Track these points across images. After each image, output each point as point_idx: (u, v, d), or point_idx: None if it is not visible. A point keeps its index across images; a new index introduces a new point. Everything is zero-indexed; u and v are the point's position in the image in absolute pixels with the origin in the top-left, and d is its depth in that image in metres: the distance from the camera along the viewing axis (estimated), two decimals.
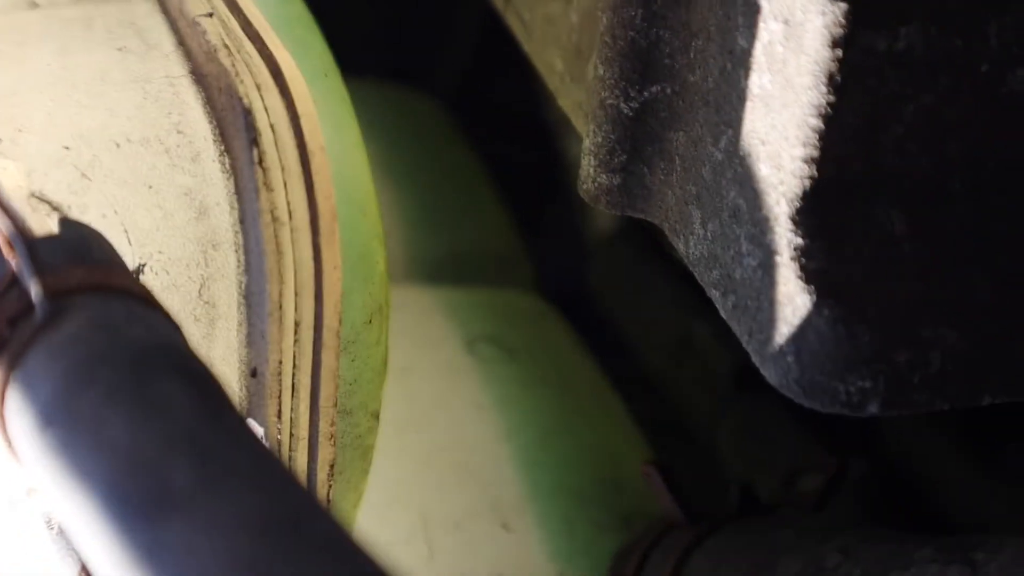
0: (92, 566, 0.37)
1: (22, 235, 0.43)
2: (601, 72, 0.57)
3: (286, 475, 0.37)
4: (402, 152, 0.90)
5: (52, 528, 0.51)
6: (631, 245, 0.95)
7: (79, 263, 0.45)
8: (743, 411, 0.84)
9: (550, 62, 0.66)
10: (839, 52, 0.47)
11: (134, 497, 0.36)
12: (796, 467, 0.69)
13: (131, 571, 0.35)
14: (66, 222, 0.48)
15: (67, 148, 0.51)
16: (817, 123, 0.48)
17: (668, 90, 0.56)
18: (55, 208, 0.50)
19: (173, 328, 0.44)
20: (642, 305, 0.93)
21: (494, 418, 0.72)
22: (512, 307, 0.81)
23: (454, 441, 0.71)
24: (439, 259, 0.87)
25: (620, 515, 0.69)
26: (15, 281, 0.44)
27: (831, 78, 0.47)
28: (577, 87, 0.63)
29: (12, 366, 0.41)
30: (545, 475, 0.70)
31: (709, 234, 0.54)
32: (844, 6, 0.46)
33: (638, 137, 0.57)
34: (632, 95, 0.56)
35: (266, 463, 0.37)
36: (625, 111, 0.57)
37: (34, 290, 0.42)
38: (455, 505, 0.69)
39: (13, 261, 0.44)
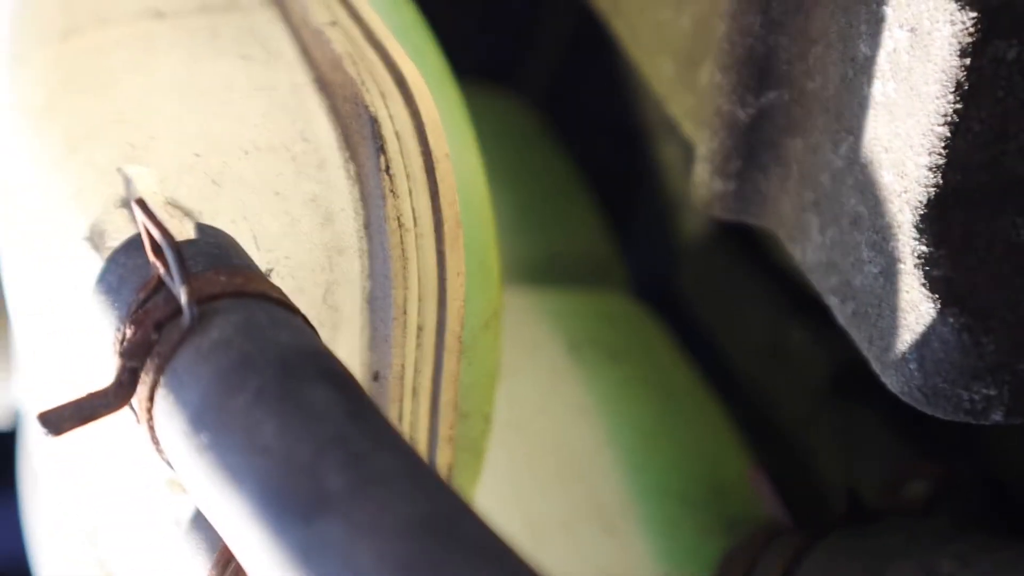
0: (248, 564, 0.38)
1: (169, 241, 0.44)
2: (718, 78, 0.58)
3: (434, 476, 0.38)
4: (497, 155, 0.91)
5: (181, 526, 0.53)
6: (723, 248, 0.96)
7: (219, 268, 0.46)
8: (840, 416, 0.84)
9: (659, 68, 0.67)
10: (967, 61, 0.48)
11: (290, 498, 0.37)
12: (900, 473, 0.69)
13: (291, 569, 0.36)
14: (202, 227, 0.50)
15: (197, 155, 0.53)
16: (944, 131, 0.49)
17: (786, 96, 0.56)
18: (187, 214, 0.52)
19: (312, 332, 0.45)
20: (734, 309, 0.94)
21: (598, 421, 0.73)
22: (612, 310, 0.82)
23: (559, 444, 0.72)
24: (536, 262, 0.88)
25: (725, 519, 0.70)
26: (160, 285, 0.45)
27: (959, 86, 0.48)
28: (688, 93, 0.64)
29: (161, 369, 0.43)
30: (649, 478, 0.71)
31: (828, 241, 0.55)
32: (974, 15, 0.47)
33: (754, 143, 0.58)
34: (749, 101, 0.57)
35: (415, 465, 0.38)
36: (741, 117, 0.57)
37: (183, 295, 0.43)
38: (561, 507, 0.70)
39: (160, 266, 0.45)
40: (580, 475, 0.71)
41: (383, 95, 0.53)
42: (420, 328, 0.54)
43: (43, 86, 0.56)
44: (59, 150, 0.54)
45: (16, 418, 0.85)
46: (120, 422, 0.46)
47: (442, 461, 0.57)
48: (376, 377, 0.55)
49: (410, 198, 0.52)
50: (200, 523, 0.51)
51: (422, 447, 0.56)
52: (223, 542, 0.49)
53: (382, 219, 0.52)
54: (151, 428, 0.44)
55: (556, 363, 0.76)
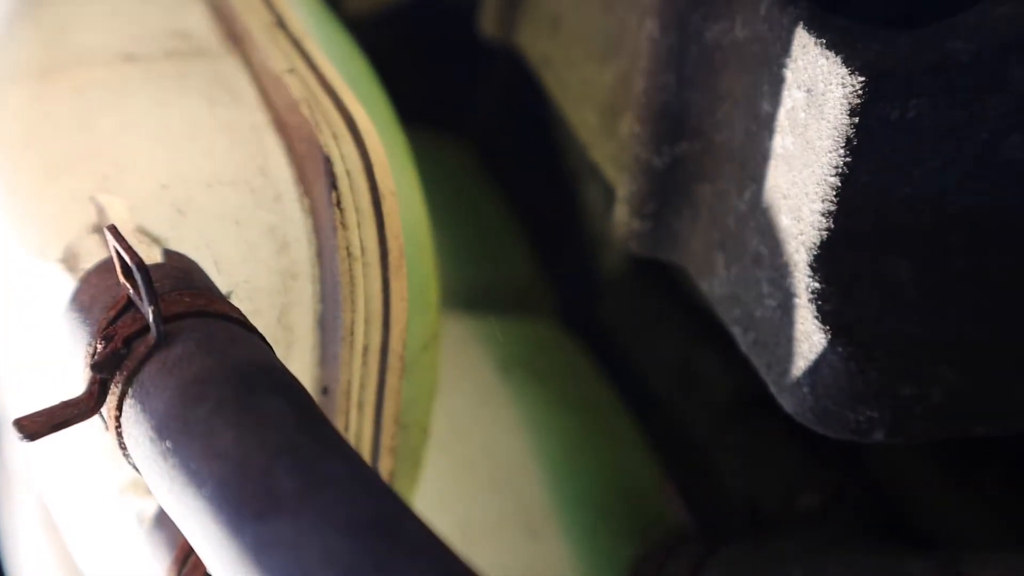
0: (207, 559, 0.39)
1: (139, 264, 0.44)
2: (636, 129, 0.59)
3: (377, 481, 0.39)
4: (438, 193, 0.92)
5: (143, 524, 0.53)
6: (641, 281, 0.97)
7: (183, 289, 0.46)
8: (743, 433, 0.85)
9: (584, 118, 0.68)
10: (856, 119, 0.49)
11: (244, 499, 0.38)
12: (795, 486, 0.71)
13: (244, 564, 0.37)
14: (168, 253, 0.50)
15: (165, 187, 0.53)
16: (835, 181, 0.50)
17: (697, 147, 0.58)
18: (154, 240, 0.52)
19: (268, 349, 0.46)
20: (650, 336, 0.95)
21: (524, 435, 0.74)
22: (540, 336, 0.83)
23: (489, 456, 0.73)
24: (471, 290, 0.89)
25: (638, 526, 0.71)
26: (129, 305, 0.46)
27: (848, 142, 0.49)
28: (609, 141, 0.65)
29: (129, 381, 0.43)
30: (570, 488, 0.72)
31: (732, 276, 0.56)
32: (863, 79, 0.48)
33: (668, 188, 0.59)
34: (664, 150, 0.58)
35: (359, 470, 0.39)
36: (657, 165, 0.59)
37: (150, 314, 0.44)
38: (490, 513, 0.71)
39: (129, 287, 0.45)
40: (508, 484, 0.72)
41: (335, 137, 0.53)
42: (366, 348, 0.54)
43: (22, 121, 0.57)
44: (37, 180, 0.54)
45: None
46: (89, 429, 0.47)
47: (384, 468, 0.57)
48: (325, 391, 0.55)
49: (359, 230, 0.53)
50: (162, 521, 0.51)
51: (366, 455, 0.57)
52: (183, 539, 0.49)
53: (333, 249, 0.53)
54: (119, 434, 0.44)
55: (488, 382, 0.76)
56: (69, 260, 0.51)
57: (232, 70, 0.58)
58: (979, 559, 0.56)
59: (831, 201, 0.50)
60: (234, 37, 0.60)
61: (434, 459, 0.67)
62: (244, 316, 0.47)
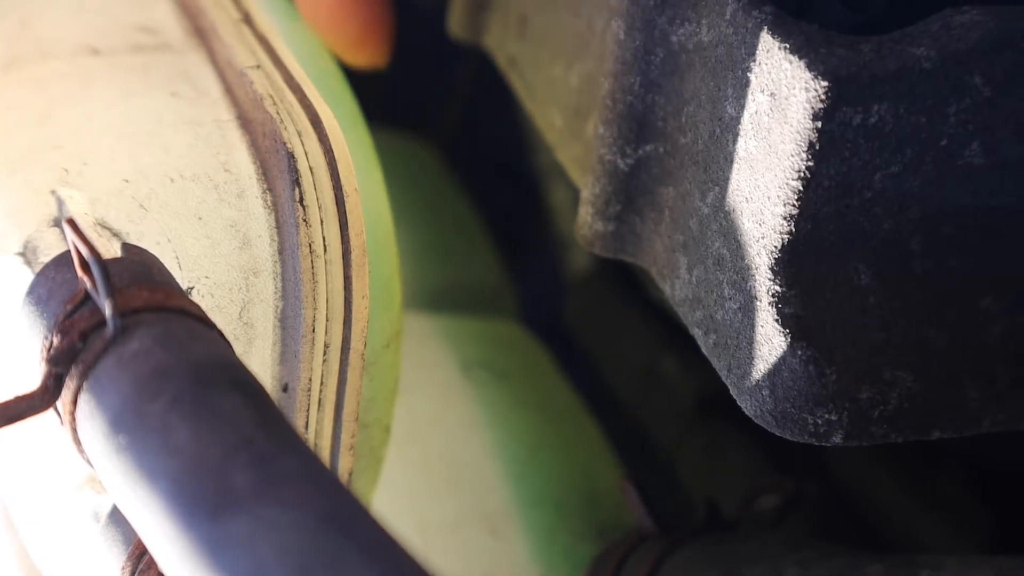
0: (160, 557, 0.38)
1: (96, 258, 0.43)
2: (601, 131, 0.59)
3: (334, 479, 0.38)
4: (403, 192, 0.91)
5: (99, 521, 0.52)
6: (605, 283, 0.97)
7: (142, 284, 0.45)
8: (705, 436, 0.85)
9: (550, 119, 0.68)
10: (819, 124, 0.49)
11: (199, 496, 0.37)
12: (754, 488, 0.71)
13: (198, 562, 0.36)
14: (128, 247, 0.49)
15: (127, 181, 0.52)
16: (797, 185, 0.50)
17: (661, 149, 0.57)
18: (115, 234, 0.51)
19: (226, 345, 0.45)
20: (613, 337, 0.95)
21: (486, 435, 0.73)
22: (502, 336, 0.83)
23: (450, 455, 0.72)
24: (434, 291, 0.89)
25: (596, 525, 0.70)
26: (86, 299, 0.45)
27: (811, 146, 0.49)
28: (575, 143, 0.65)
29: (85, 375, 0.42)
30: (530, 488, 0.71)
31: (694, 279, 0.56)
32: (826, 84, 0.48)
33: (632, 190, 0.59)
34: (628, 152, 0.58)
35: (316, 468, 0.38)
36: (621, 167, 0.58)
37: (107, 308, 0.43)
38: (449, 513, 0.70)
39: (87, 280, 0.44)
40: (468, 483, 0.71)
41: (300, 133, 0.53)
42: (327, 345, 0.54)
43: None
44: None
45: None
46: (45, 423, 0.46)
47: (343, 467, 0.57)
48: (285, 388, 0.54)
49: (321, 227, 0.52)
50: (116, 518, 0.50)
51: (325, 454, 0.56)
52: (138, 536, 0.48)
53: (295, 245, 0.52)
54: (73, 429, 0.43)
55: (450, 382, 0.76)
56: (28, 253, 0.50)
57: (197, 65, 0.58)
58: (935, 561, 0.56)
59: (793, 205, 0.50)
60: (200, 32, 0.59)
61: (395, 458, 0.66)
62: (203, 312, 0.46)
